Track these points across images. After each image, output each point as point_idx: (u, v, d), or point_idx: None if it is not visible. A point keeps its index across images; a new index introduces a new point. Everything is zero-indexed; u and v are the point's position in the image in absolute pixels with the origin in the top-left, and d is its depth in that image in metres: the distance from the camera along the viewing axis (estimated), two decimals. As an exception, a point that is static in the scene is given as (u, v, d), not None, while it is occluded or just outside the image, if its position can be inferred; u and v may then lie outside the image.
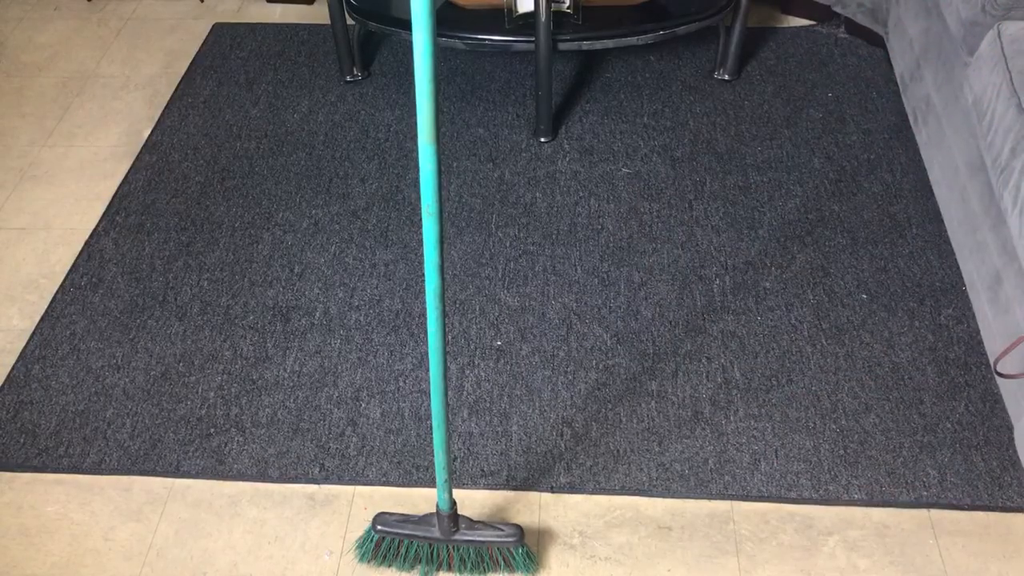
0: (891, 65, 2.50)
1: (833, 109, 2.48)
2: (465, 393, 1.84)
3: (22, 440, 1.79)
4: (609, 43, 2.36)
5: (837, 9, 2.69)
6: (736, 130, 2.43)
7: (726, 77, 2.57)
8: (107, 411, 1.83)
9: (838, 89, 2.54)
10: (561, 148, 2.40)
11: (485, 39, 2.34)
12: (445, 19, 2.39)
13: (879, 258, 2.07)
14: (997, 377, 1.76)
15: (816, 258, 2.08)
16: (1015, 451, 1.68)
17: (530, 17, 2.27)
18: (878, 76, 2.56)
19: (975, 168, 1.86)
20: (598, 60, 2.66)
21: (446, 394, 1.33)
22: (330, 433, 1.78)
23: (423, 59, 0.98)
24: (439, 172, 1.08)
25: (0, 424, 1.81)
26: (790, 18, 2.81)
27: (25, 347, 1.95)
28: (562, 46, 2.32)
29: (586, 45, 2.35)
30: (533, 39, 2.26)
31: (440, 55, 2.62)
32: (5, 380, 1.89)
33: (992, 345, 1.78)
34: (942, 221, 2.11)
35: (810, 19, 2.78)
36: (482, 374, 1.88)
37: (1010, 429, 1.71)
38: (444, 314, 1.23)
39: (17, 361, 1.93)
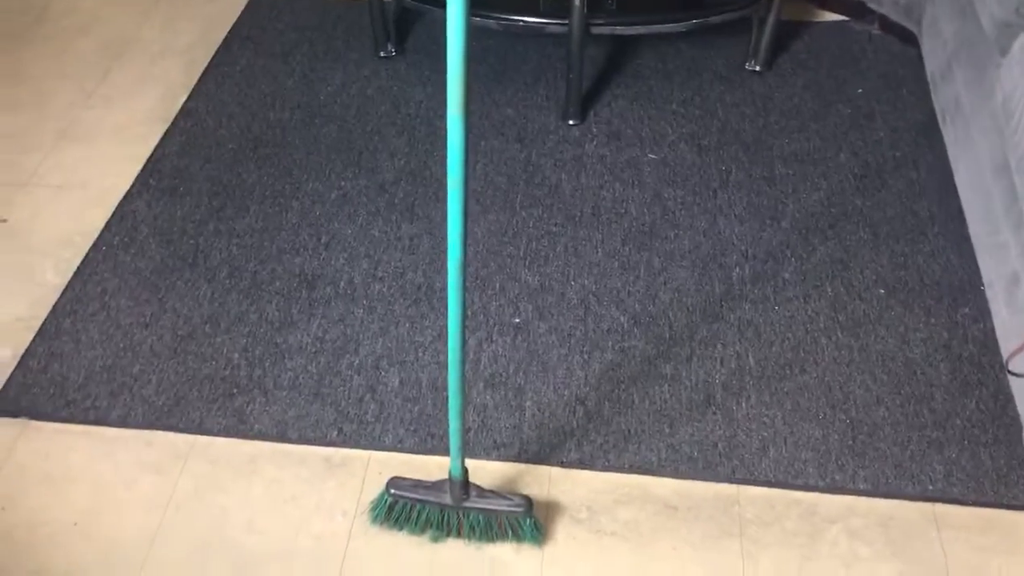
0: (923, 64, 2.50)
1: (862, 105, 2.48)
2: (482, 367, 1.88)
3: (51, 391, 1.84)
4: (642, 29, 2.37)
5: (872, 6, 2.69)
6: (764, 121, 2.44)
7: (757, 68, 2.58)
8: (134, 367, 1.88)
9: (868, 85, 2.54)
10: (589, 131, 2.43)
11: (519, 20, 2.36)
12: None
13: (899, 254, 2.09)
14: (1009, 376, 1.77)
15: (837, 251, 2.10)
16: (1023, 450, 1.69)
17: (564, 0, 2.29)
18: (909, 74, 2.56)
19: (1000, 170, 1.87)
20: (630, 46, 2.68)
21: (464, 359, 1.37)
22: (349, 399, 1.82)
23: (456, 24, 1.01)
24: (467, 143, 1.12)
25: (31, 375, 1.87)
26: (824, 13, 2.81)
27: (57, 302, 2.01)
28: (595, 30, 2.34)
29: (619, 30, 2.37)
30: (567, 22, 2.28)
31: (472, 34, 2.65)
32: (37, 332, 1.95)
33: (1007, 345, 1.80)
34: (964, 221, 2.11)
35: (844, 15, 2.78)
36: (499, 350, 1.91)
37: (1020, 428, 1.73)
38: (464, 284, 1.26)
39: (49, 315, 1.98)
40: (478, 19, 2.38)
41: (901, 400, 1.81)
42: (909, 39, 2.63)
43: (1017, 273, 1.75)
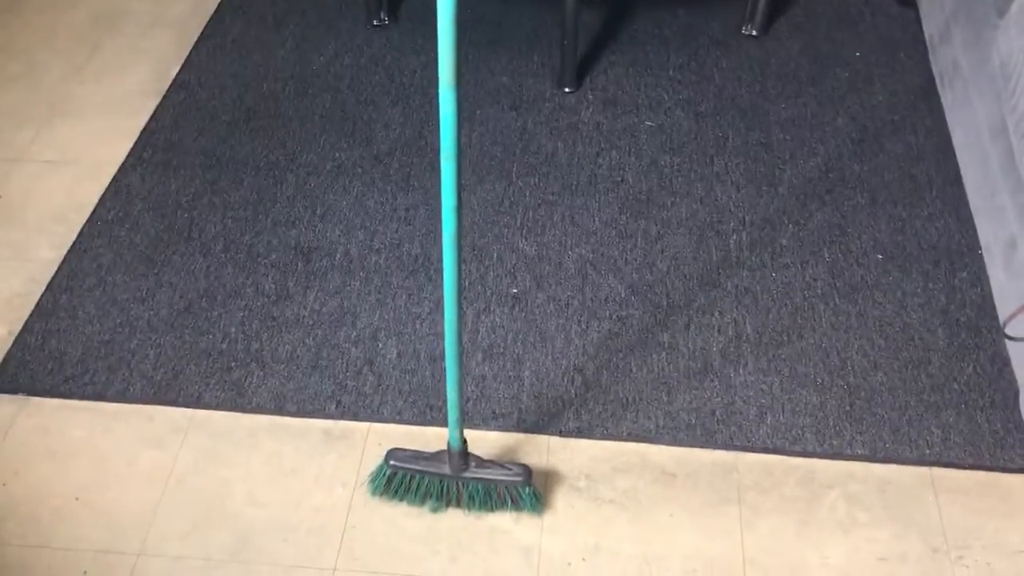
0: (921, 26, 2.48)
1: (860, 69, 2.46)
2: (480, 337, 1.88)
3: (50, 367, 1.84)
4: (637, -6, 2.35)
5: (870, -33, 2.66)
6: (761, 86, 2.42)
7: (754, 33, 2.56)
8: (131, 342, 1.88)
9: (866, 49, 2.52)
10: (585, 99, 2.41)
11: (512, -14, 2.34)
12: (473, -35, 2.39)
13: (897, 219, 2.08)
14: (1006, 340, 1.77)
15: (834, 217, 2.09)
16: (1020, 414, 1.70)
17: (558, -34, 2.26)
18: (907, 37, 2.54)
19: (997, 132, 1.86)
20: (626, 11, 2.65)
21: (460, 332, 1.37)
22: (347, 371, 1.82)
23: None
24: (458, 116, 1.11)
25: (29, 351, 1.87)
26: (822, -25, 2.78)
27: (53, 278, 2.01)
28: (589, -4, 2.32)
29: (613, -4, 2.35)
30: (560, -12, 2.26)
31: (465, 2, 2.62)
32: (34, 309, 1.95)
33: (1004, 309, 1.80)
34: (962, 184, 2.11)
35: (842, -24, 2.75)
36: (497, 320, 1.91)
37: (1016, 392, 1.73)
38: (460, 256, 1.26)
39: (45, 291, 1.98)
40: (471, -14, 2.36)
41: (899, 365, 1.81)
42: (906, 1, 2.60)
43: (1014, 237, 1.75)
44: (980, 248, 1.98)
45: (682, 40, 2.56)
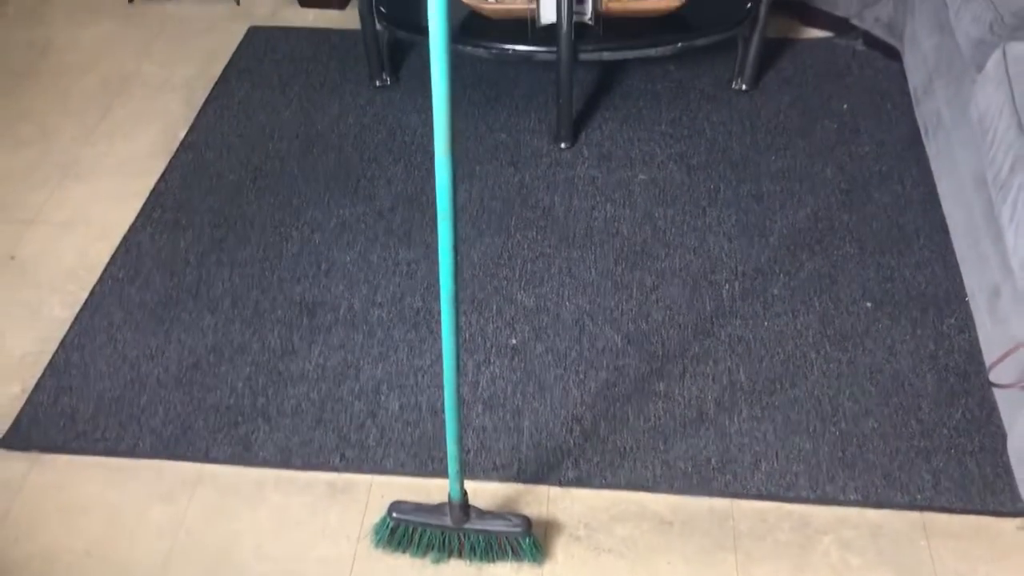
0: (906, 78, 2.55)
1: (848, 120, 2.53)
2: (480, 389, 1.93)
3: (62, 424, 1.89)
4: (629, 54, 2.43)
5: (855, 22, 2.75)
6: (752, 139, 2.49)
7: (744, 87, 2.64)
8: (141, 398, 1.93)
9: (853, 101, 2.59)
10: (580, 154, 2.48)
11: (509, 48, 2.42)
12: (471, 28, 2.47)
13: (886, 267, 2.13)
14: (991, 387, 1.82)
15: (824, 266, 2.15)
16: (1008, 458, 1.74)
17: (553, 28, 2.34)
18: (893, 89, 2.62)
19: (979, 183, 1.92)
20: (618, 68, 2.73)
21: (459, 391, 1.42)
22: (351, 424, 1.87)
23: (439, 80, 1.06)
24: (454, 181, 1.17)
25: (41, 408, 1.92)
26: (809, 29, 2.86)
27: (65, 336, 2.06)
28: (583, 56, 2.40)
29: (607, 56, 2.43)
30: (555, 49, 2.34)
31: (464, 63, 2.71)
32: (47, 367, 2.00)
33: (990, 355, 1.84)
34: (948, 233, 2.16)
35: (829, 31, 2.84)
36: (497, 371, 1.96)
37: (1004, 436, 1.77)
38: (459, 316, 1.31)
39: (58, 349, 2.04)
40: (470, 48, 2.45)
41: (889, 411, 1.85)
42: (892, 54, 2.68)
43: (998, 285, 1.80)
44: (967, 295, 2.03)
45: (674, 95, 2.64)
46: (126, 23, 3.07)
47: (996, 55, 1.90)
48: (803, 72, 2.71)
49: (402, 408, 1.89)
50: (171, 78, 2.82)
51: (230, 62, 2.84)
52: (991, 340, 1.84)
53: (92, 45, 2.98)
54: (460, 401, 1.44)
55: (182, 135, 2.59)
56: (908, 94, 2.55)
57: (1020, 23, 1.91)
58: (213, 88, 2.74)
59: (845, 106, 2.58)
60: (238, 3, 3.12)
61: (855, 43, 2.77)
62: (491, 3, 2.47)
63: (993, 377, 1.75)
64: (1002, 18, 1.93)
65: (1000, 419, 1.80)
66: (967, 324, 1.99)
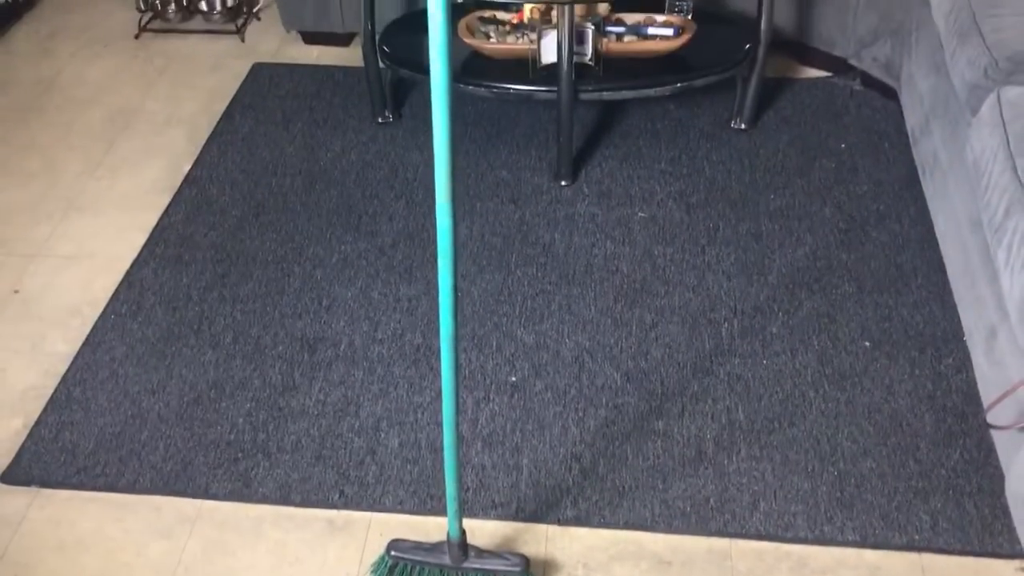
0: (904, 118, 2.58)
1: (846, 159, 2.56)
2: (479, 426, 1.93)
3: (62, 459, 1.90)
4: (629, 94, 2.47)
5: (853, 62, 2.78)
6: (750, 178, 2.52)
7: (742, 126, 2.66)
8: (142, 434, 1.94)
9: (851, 140, 2.62)
10: (580, 191, 2.50)
11: (510, 88, 2.46)
12: (472, 68, 2.51)
13: (884, 307, 2.15)
14: (989, 429, 1.82)
15: (822, 305, 2.16)
16: (1006, 500, 1.74)
17: (553, 68, 2.38)
18: (891, 128, 2.65)
19: (975, 224, 1.94)
20: (618, 107, 2.76)
21: (458, 429, 1.42)
22: (350, 461, 1.87)
23: (441, 126, 1.08)
24: (455, 227, 1.18)
25: (42, 443, 1.93)
26: (807, 69, 2.90)
27: (67, 370, 2.07)
28: (583, 96, 2.43)
29: (607, 95, 2.46)
30: (556, 89, 2.37)
31: (466, 101, 2.74)
32: (48, 401, 2.01)
33: (988, 396, 1.85)
34: (946, 273, 2.18)
35: (827, 71, 2.87)
36: (496, 408, 1.97)
37: (1002, 478, 1.78)
38: (458, 355, 1.32)
39: (60, 384, 2.05)
40: (471, 87, 2.48)
41: (887, 451, 1.86)
42: (890, 94, 2.71)
43: (994, 326, 1.81)
44: (964, 335, 2.04)
45: (673, 134, 2.67)
46: (132, 59, 3.11)
47: (991, 99, 1.92)
48: (801, 111, 2.74)
49: (401, 445, 1.90)
50: (176, 113, 2.85)
51: (234, 98, 2.87)
52: (988, 381, 1.85)
53: (98, 80, 3.01)
54: (459, 440, 1.45)
55: (186, 170, 2.61)
56: (906, 134, 2.57)
57: (1014, 68, 1.93)
58: (217, 124, 2.77)
59: (843, 145, 2.60)
60: (243, 40, 3.17)
61: (853, 83, 2.81)
62: (492, 43, 2.51)
63: (990, 419, 1.76)
64: (996, 63, 1.95)
65: (998, 460, 1.81)
66: (965, 364, 2.00)
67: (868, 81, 2.77)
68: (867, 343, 2.07)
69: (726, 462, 1.85)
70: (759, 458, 1.86)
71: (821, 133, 2.65)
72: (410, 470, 1.85)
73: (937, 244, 2.26)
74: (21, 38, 3.25)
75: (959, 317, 2.08)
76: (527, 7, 2.47)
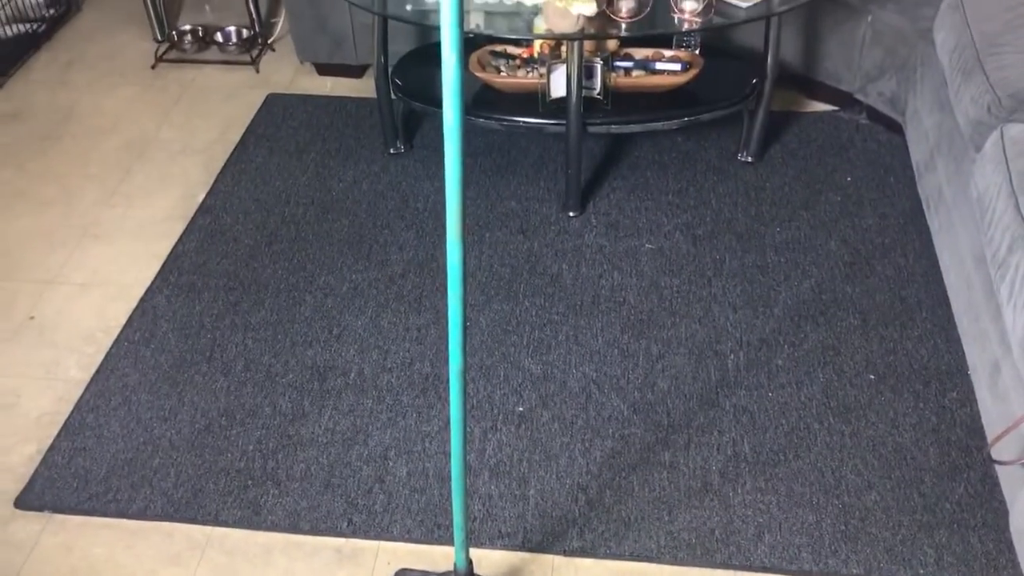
0: (909, 152, 2.61)
1: (851, 193, 2.59)
2: (487, 456, 1.95)
3: (75, 484, 1.92)
4: (636, 127, 2.50)
5: (859, 97, 2.81)
6: (757, 211, 2.54)
7: (749, 159, 2.69)
8: (154, 460, 1.96)
9: (857, 174, 2.65)
10: (588, 222, 2.53)
11: (520, 121, 2.50)
12: (483, 101, 2.55)
13: (888, 340, 2.16)
14: (992, 464, 1.83)
15: (828, 338, 2.18)
16: (1010, 534, 1.75)
17: (562, 102, 2.42)
18: (896, 162, 2.67)
19: (979, 260, 1.96)
20: (626, 139, 2.80)
21: (465, 460, 1.44)
22: (359, 489, 1.89)
23: (453, 166, 1.11)
24: (464, 266, 1.21)
25: (56, 469, 1.95)
26: (814, 103, 2.93)
27: (81, 397, 2.10)
28: (592, 129, 2.47)
29: (615, 129, 2.50)
30: (565, 122, 2.41)
31: (476, 132, 2.77)
32: (62, 428, 2.04)
33: (991, 431, 1.86)
34: (950, 307, 2.20)
35: (833, 105, 2.90)
36: (503, 438, 1.99)
37: (1006, 512, 1.78)
38: (465, 387, 1.35)
39: (73, 410, 2.07)
40: (482, 120, 2.52)
41: (892, 485, 1.87)
42: (895, 128, 2.74)
43: (998, 361, 1.83)
44: (968, 369, 2.05)
45: (680, 166, 2.70)
46: (148, 89, 3.16)
47: (994, 136, 1.95)
48: (808, 145, 2.77)
49: (409, 474, 1.92)
50: (191, 143, 2.89)
51: (249, 128, 2.92)
52: (992, 415, 1.86)
53: (115, 110, 3.06)
54: (466, 470, 1.47)
55: (201, 199, 2.65)
56: (911, 168, 2.60)
57: (1017, 105, 1.96)
58: (232, 153, 2.82)
59: (849, 179, 2.63)
60: (257, 71, 3.22)
61: (859, 117, 2.84)
62: (503, 77, 2.55)
63: (995, 454, 1.77)
64: (1000, 100, 1.98)
65: (1003, 495, 1.82)
66: (969, 398, 2.02)
67: (874, 115, 2.80)
68: (872, 376, 2.08)
69: (731, 494, 1.87)
70: (764, 490, 1.87)
71: (827, 167, 2.68)
72: (418, 499, 1.87)
73: (942, 278, 2.28)
74: (40, 67, 3.31)
75: (963, 351, 2.10)
76: (537, 42, 2.51)
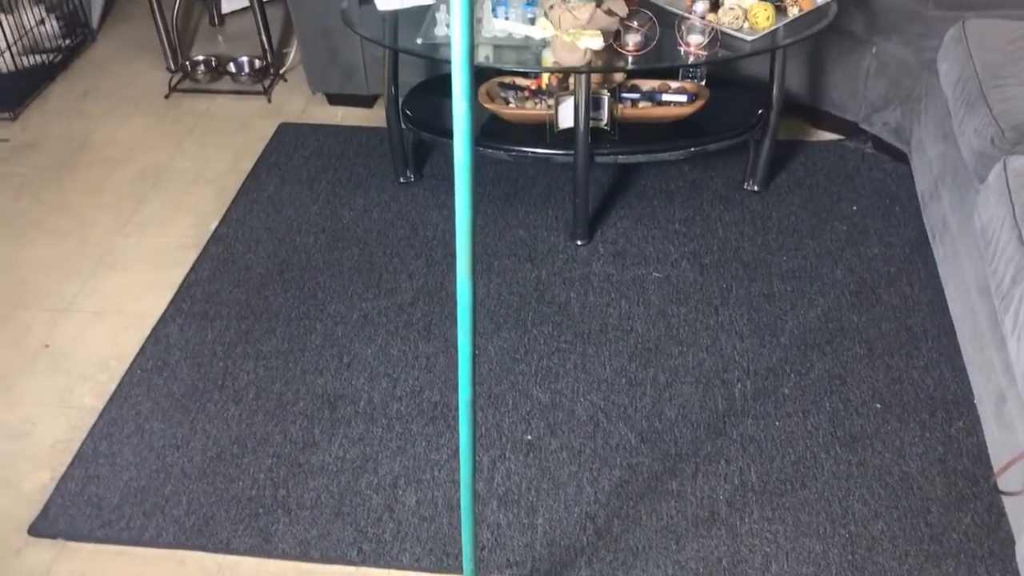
0: (914, 181, 2.63)
1: (857, 222, 2.61)
2: (495, 485, 1.97)
3: (88, 512, 1.95)
4: (643, 158, 2.53)
5: (864, 126, 2.84)
6: (763, 239, 2.57)
7: (755, 188, 2.72)
8: (166, 488, 1.98)
9: (863, 202, 2.67)
10: (596, 251, 2.56)
11: (528, 151, 2.53)
12: (491, 132, 2.58)
13: (895, 369, 2.18)
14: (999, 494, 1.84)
15: (834, 367, 2.19)
16: (1017, 565, 1.75)
17: (570, 132, 2.45)
18: (902, 191, 2.69)
19: (983, 290, 1.97)
20: (633, 168, 2.83)
21: (474, 489, 1.46)
22: (369, 518, 1.91)
23: (463, 205, 1.14)
24: (474, 299, 1.24)
25: (69, 497, 1.98)
26: (819, 132, 2.96)
27: (94, 425, 2.13)
28: (599, 159, 2.50)
29: (621, 159, 2.53)
30: (572, 153, 2.44)
31: (485, 162, 2.80)
32: (75, 455, 2.06)
33: (998, 460, 1.87)
34: (956, 335, 2.21)
35: (839, 134, 2.93)
36: (512, 467, 2.00)
37: (1013, 542, 1.79)
38: (475, 417, 1.37)
39: (87, 438, 2.10)
40: (490, 150, 2.55)
41: (899, 514, 1.88)
42: (901, 157, 2.77)
43: (1003, 391, 1.84)
44: (974, 398, 2.06)
45: (687, 195, 2.73)
46: (161, 119, 3.21)
47: (997, 168, 1.97)
48: (813, 174, 2.79)
49: (419, 503, 1.94)
50: (204, 172, 2.93)
51: (261, 157, 2.96)
52: (998, 445, 1.87)
53: (129, 139, 3.11)
54: (475, 499, 1.48)
55: (213, 228, 2.69)
56: (916, 197, 2.62)
57: (1020, 137, 1.98)
58: (244, 182, 2.86)
59: (854, 208, 2.65)
60: (269, 100, 3.26)
61: (864, 146, 2.86)
62: (511, 108, 2.59)
63: (1001, 484, 1.77)
64: (1003, 132, 2.01)
65: (1009, 525, 1.82)
66: (975, 427, 2.02)
67: (879, 145, 2.83)
68: (878, 405, 2.10)
69: (739, 523, 1.88)
70: (771, 519, 1.88)
71: (833, 195, 2.71)
72: (427, 528, 1.89)
73: (947, 307, 2.29)
74: (56, 97, 3.36)
75: (969, 380, 2.11)
76: (545, 74, 2.55)
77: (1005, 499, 1.84)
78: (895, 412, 2.08)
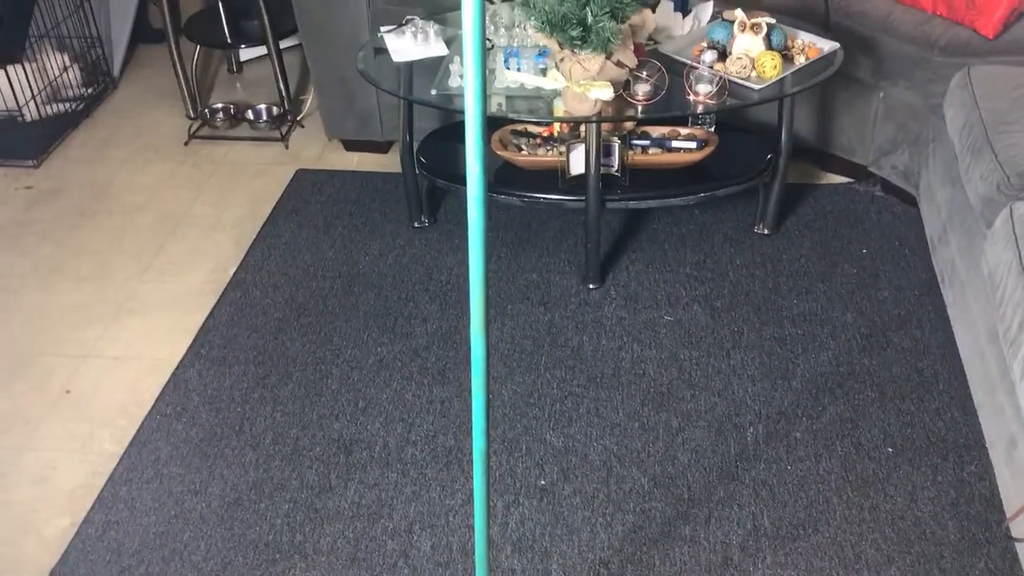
0: (923, 224, 2.65)
1: (867, 265, 2.63)
2: (509, 530, 1.98)
3: (108, 558, 1.97)
4: (653, 203, 2.57)
5: (873, 169, 2.87)
6: (774, 283, 2.59)
7: (765, 231, 2.75)
8: (184, 533, 2.01)
9: (872, 246, 2.70)
10: (608, 295, 2.59)
11: (540, 197, 2.57)
12: (504, 177, 2.63)
13: (906, 413, 2.19)
14: (1011, 541, 1.84)
15: (846, 410, 2.21)
16: (1031, 611, 1.76)
17: (581, 179, 2.49)
18: (911, 234, 2.72)
19: (992, 335, 1.99)
20: (644, 213, 2.87)
21: (488, 537, 1.48)
22: (384, 563, 1.93)
23: (476, 259, 1.17)
24: (487, 353, 1.27)
25: (89, 542, 2.00)
26: (829, 175, 2.99)
27: (114, 470, 2.16)
28: (610, 205, 2.54)
29: (632, 204, 2.56)
30: (584, 198, 2.48)
31: (497, 207, 2.85)
32: (95, 501, 2.09)
33: (1010, 506, 1.88)
34: (967, 379, 2.22)
35: (848, 177, 2.96)
36: (526, 512, 2.02)
37: (1027, 589, 1.79)
38: (489, 466, 1.39)
39: (107, 483, 2.13)
40: (503, 196, 2.59)
41: (911, 560, 1.88)
42: (910, 200, 2.79)
43: (1014, 436, 1.85)
44: (986, 442, 2.07)
45: (698, 239, 2.76)
46: (181, 165, 3.28)
47: (1004, 213, 1.99)
48: (823, 217, 2.82)
49: (433, 548, 1.95)
50: (222, 218, 2.99)
51: (278, 203, 3.02)
52: (1010, 490, 1.88)
53: (149, 186, 3.17)
54: (489, 545, 1.50)
55: (231, 273, 2.73)
56: (925, 240, 2.64)
57: (1025, 184, 2.01)
58: (262, 228, 2.91)
59: (864, 251, 2.68)
60: (287, 147, 3.33)
61: (873, 189, 2.89)
62: (524, 155, 2.63)
63: (1013, 530, 1.78)
64: (1008, 178, 2.03)
65: (1022, 570, 1.82)
66: (987, 472, 2.03)
67: (888, 188, 2.86)
68: (890, 449, 2.11)
69: (752, 568, 1.89)
70: (784, 564, 1.89)
71: (843, 239, 2.73)
72: (442, 573, 1.90)
73: (957, 350, 2.30)
74: (77, 144, 3.43)
75: (980, 424, 2.12)
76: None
77: (1018, 545, 1.84)
78: (907, 456, 2.09)
